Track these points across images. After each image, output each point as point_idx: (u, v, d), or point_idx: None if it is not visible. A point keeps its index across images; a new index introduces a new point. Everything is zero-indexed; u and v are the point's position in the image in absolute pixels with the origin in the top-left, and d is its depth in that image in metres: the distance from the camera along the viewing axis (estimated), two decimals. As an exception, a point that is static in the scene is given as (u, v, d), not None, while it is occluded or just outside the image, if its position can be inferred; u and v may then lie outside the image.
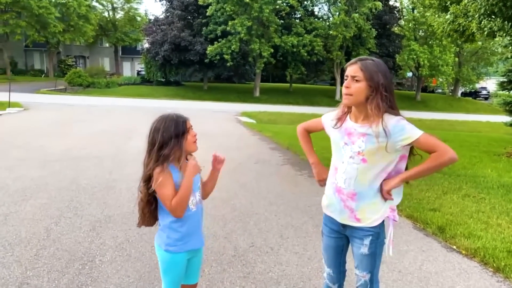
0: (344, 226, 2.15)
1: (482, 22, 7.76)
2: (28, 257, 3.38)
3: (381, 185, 2.04)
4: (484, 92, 47.75)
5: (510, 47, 12.49)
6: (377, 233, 2.09)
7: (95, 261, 3.34)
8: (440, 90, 46.42)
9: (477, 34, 9.63)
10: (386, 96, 1.94)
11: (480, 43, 34.93)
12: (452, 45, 34.46)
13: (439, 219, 4.45)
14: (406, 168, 2.07)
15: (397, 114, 1.97)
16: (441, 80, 38.32)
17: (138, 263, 3.35)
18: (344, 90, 1.99)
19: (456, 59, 37.96)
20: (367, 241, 2.08)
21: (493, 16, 7.76)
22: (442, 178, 6.41)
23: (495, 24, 7.55)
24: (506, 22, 7.40)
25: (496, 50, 39.45)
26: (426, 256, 3.63)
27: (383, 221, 2.11)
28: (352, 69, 1.97)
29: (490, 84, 47.23)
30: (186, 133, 2.02)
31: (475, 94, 47.52)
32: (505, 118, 17.04)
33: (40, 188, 5.34)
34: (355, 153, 2.01)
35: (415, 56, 33.69)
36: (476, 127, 20.27)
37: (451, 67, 35.53)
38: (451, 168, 7.24)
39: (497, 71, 16.71)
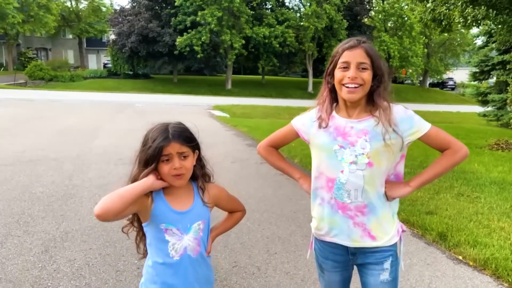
0: (355, 253, 1.68)
1: (466, 10, 7.46)
2: (-39, 293, 2.74)
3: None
4: (450, 82, 48.76)
5: (484, 36, 12.43)
6: (395, 252, 1.68)
7: (45, 295, 2.74)
8: (409, 81, 47.05)
9: (455, 23, 9.40)
10: (385, 81, 1.63)
11: (446, 34, 35.60)
12: (421, 36, 34.89)
13: (438, 224, 4.06)
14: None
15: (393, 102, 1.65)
16: (410, 71, 38.78)
17: (100, 295, 2.78)
18: (346, 81, 1.56)
19: (425, 50, 38.43)
20: (387, 265, 1.65)
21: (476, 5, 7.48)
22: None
23: (479, 12, 7.26)
24: (490, 10, 7.12)
25: (462, 40, 40.33)
26: (433, 271, 3.21)
27: (399, 242, 1.71)
28: (357, 54, 1.56)
29: (457, 74, 48.32)
30: (157, 163, 1.46)
31: (442, 84, 48.45)
32: (478, 109, 17.28)
33: (-14, 199, 4.63)
34: (359, 156, 1.57)
35: (385, 47, 33.83)
36: (448, 118, 20.43)
37: (420, 58, 35.94)
38: (437, 164, 6.94)
39: (469, 62, 16.81)
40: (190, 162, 1.52)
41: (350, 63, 1.54)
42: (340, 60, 1.57)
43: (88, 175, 5.74)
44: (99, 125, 10.94)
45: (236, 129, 11.62)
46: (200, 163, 1.61)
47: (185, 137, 1.51)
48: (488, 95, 14.48)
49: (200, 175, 1.61)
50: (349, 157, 1.59)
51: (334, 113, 1.65)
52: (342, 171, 1.60)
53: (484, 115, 14.88)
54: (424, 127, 1.58)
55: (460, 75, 47.52)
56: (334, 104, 1.68)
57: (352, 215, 1.62)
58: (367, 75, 1.55)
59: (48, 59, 42.38)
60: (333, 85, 1.62)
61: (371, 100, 1.60)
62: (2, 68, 39.70)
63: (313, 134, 1.68)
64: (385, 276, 1.65)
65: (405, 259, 3.37)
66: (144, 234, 1.60)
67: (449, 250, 3.61)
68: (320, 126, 1.65)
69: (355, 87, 1.54)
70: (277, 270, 3.20)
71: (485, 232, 3.91)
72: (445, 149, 1.60)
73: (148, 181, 1.45)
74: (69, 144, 8.19)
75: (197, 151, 1.58)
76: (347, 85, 1.55)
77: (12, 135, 8.97)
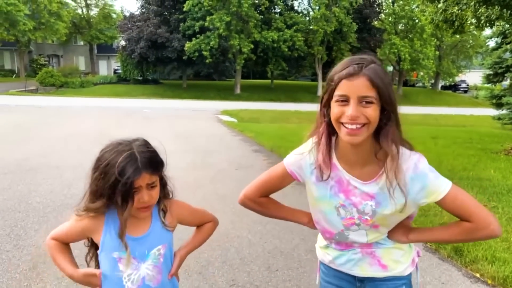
0: (362, 280, 1.47)
1: (479, 10, 7.18)
2: None
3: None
4: (463, 85, 48.01)
5: (498, 38, 12.06)
6: (409, 281, 1.46)
7: (27, 318, 2.55)
8: (420, 84, 46.46)
9: (467, 24, 9.09)
10: (398, 121, 1.26)
11: (458, 36, 35.08)
12: (433, 38, 34.43)
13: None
14: None
15: (410, 146, 1.30)
16: (422, 73, 38.26)
17: (85, 318, 2.57)
18: (344, 120, 1.19)
19: (437, 52, 37.91)
20: None
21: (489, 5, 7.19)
22: (444, 182, 5.79)
23: (493, 12, 6.97)
24: (505, 10, 6.82)
25: (474, 41, 39.70)
26: (448, 291, 2.96)
27: (415, 272, 1.51)
28: (358, 85, 1.17)
29: (469, 77, 47.57)
30: (130, 198, 1.24)
31: (454, 87, 47.71)
32: (492, 112, 16.82)
33: (-19, 210, 4.48)
34: (363, 220, 1.34)
35: (396, 50, 33.43)
36: (461, 121, 19.97)
37: (432, 61, 35.44)
38: (451, 170, 6.64)
39: (482, 64, 16.40)
40: (157, 191, 1.32)
41: (350, 97, 1.17)
42: (337, 93, 1.20)
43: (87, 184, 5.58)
44: (105, 131, 10.82)
45: (243, 134, 11.42)
46: (161, 182, 1.38)
47: (155, 164, 1.29)
48: (503, 97, 14.05)
49: (161, 196, 1.39)
50: (351, 218, 1.35)
51: (335, 159, 1.33)
52: (342, 230, 1.39)
53: (499, 118, 14.41)
54: (442, 189, 1.23)
55: (473, 77, 46.80)
56: (334, 139, 1.33)
57: (360, 250, 1.44)
58: (373, 111, 1.18)
59: (60, 65, 42.81)
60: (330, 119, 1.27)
61: (378, 141, 1.26)
62: (14, 75, 40.20)
63: (311, 183, 1.38)
64: None
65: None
66: (95, 251, 1.41)
67: (465, 267, 3.34)
68: (320, 178, 1.34)
69: (357, 129, 1.18)
70: (278, 289, 2.97)
71: (504, 247, 3.63)
72: (465, 219, 1.27)
73: (89, 282, 1.33)
74: (73, 151, 8.06)
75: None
76: (346, 125, 1.19)
77: (16, 142, 8.88)
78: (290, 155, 1.45)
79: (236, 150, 8.96)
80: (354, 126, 1.18)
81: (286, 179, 1.46)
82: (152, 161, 1.28)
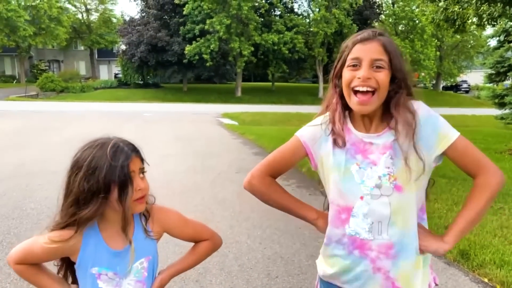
0: None
1: (481, 8, 7.06)
2: None
3: None
4: (464, 85, 47.83)
5: (500, 36, 11.96)
6: None
7: (15, 331, 2.44)
8: (422, 85, 46.34)
9: (469, 23, 8.99)
10: (410, 87, 1.26)
11: (459, 36, 34.96)
12: (434, 39, 34.35)
13: (460, 240, 3.66)
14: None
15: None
16: (423, 74, 38.13)
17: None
18: (356, 83, 1.19)
19: (438, 53, 37.78)
20: None
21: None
22: (448, 183, 5.65)
23: (495, 10, 6.86)
24: (507, 7, 6.71)
25: (475, 41, 39.58)
26: (455, 298, 2.84)
27: None
28: (371, 48, 1.19)
29: (470, 77, 47.41)
30: (129, 184, 1.13)
31: (456, 87, 47.54)
32: (495, 111, 16.69)
33: (-26, 217, 4.38)
34: (383, 177, 1.20)
35: (397, 51, 33.37)
36: (463, 121, 19.83)
37: (433, 61, 35.31)
38: (454, 171, 6.51)
39: (484, 63, 16.28)
40: (147, 181, 1.21)
41: (362, 59, 1.19)
42: (350, 56, 1.22)
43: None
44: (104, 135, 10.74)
45: (244, 137, 11.31)
46: None
47: (138, 150, 1.20)
48: (505, 97, 13.92)
49: None
50: (371, 179, 1.23)
51: (349, 125, 1.30)
52: (361, 197, 1.24)
53: (502, 118, 14.29)
54: (452, 133, 1.22)
55: (474, 77, 46.63)
56: (347, 112, 1.32)
57: (373, 257, 1.24)
58: (384, 76, 1.18)
59: (60, 70, 42.83)
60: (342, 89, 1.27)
61: (389, 111, 1.25)
62: (15, 81, 40.23)
63: (325, 153, 1.31)
64: None
65: (423, 283, 2.99)
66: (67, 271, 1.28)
67: (472, 271, 3.22)
68: (335, 144, 1.28)
69: (368, 92, 1.18)
70: (277, 297, 2.85)
71: (512, 250, 3.51)
72: (473, 171, 1.24)
73: None
74: (70, 156, 7.96)
75: None
76: (357, 88, 1.19)
77: (15, 147, 8.80)
78: (303, 127, 1.38)
79: (237, 152, 8.85)
80: (364, 89, 1.18)
81: (297, 153, 1.37)
82: (135, 147, 1.20)
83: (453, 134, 1.21)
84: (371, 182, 1.22)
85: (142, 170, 1.18)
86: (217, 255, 3.51)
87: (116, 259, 1.20)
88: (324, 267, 1.38)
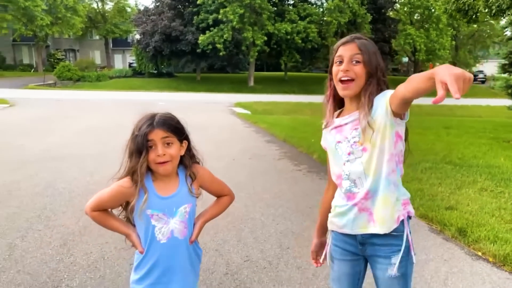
0: (363, 243, 1.67)
1: (490, 0, 7.20)
2: (-18, 284, 2.85)
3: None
4: (481, 75, 47.19)
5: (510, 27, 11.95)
6: (407, 248, 1.62)
7: (61, 287, 2.82)
8: (436, 75, 45.82)
9: (481, 14, 9.09)
10: (384, 81, 1.63)
11: (475, 26, 34.48)
12: (449, 28, 33.94)
13: (458, 219, 3.94)
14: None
15: None
16: (438, 64, 37.82)
17: (112, 287, 2.83)
18: (340, 75, 1.60)
19: (453, 42, 37.38)
20: (395, 259, 1.61)
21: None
22: (453, 169, 5.90)
23: (504, 2, 6.99)
24: (516, -2, 6.84)
25: (492, 31, 38.95)
26: (449, 267, 3.13)
27: (407, 234, 1.63)
28: (349, 48, 1.61)
29: (487, 67, 46.75)
30: (146, 151, 1.49)
31: (472, 78, 46.95)
32: (508, 102, 16.65)
33: (11, 195, 4.79)
34: (353, 145, 1.61)
35: (411, 41, 33.12)
36: (477, 112, 19.82)
37: (448, 51, 34.99)
38: (461, 158, 6.74)
39: (498, 53, 16.16)
40: (175, 149, 1.53)
41: (344, 57, 1.59)
42: (336, 56, 1.63)
43: (109, 171, 5.82)
44: (121, 123, 11.10)
45: (256, 125, 11.62)
46: (189, 153, 1.62)
47: (170, 124, 1.53)
48: (518, 87, 13.89)
49: (189, 165, 1.62)
50: (346, 148, 1.64)
51: (335, 116, 1.72)
52: (344, 164, 1.66)
53: (514, 108, 14.28)
54: (386, 94, 1.55)
55: (490, 67, 45.90)
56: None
57: (358, 202, 1.63)
58: (359, 69, 1.57)
59: (76, 59, 43.53)
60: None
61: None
62: (33, 70, 41.07)
63: (324, 135, 1.77)
64: (393, 271, 1.61)
65: (421, 255, 3.29)
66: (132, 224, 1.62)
67: (468, 246, 3.51)
68: (325, 127, 1.74)
69: (348, 80, 1.57)
70: (288, 264, 3.18)
71: (507, 228, 3.78)
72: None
73: (130, 235, 1.59)
74: (92, 142, 8.39)
75: (185, 141, 1.59)
76: (341, 78, 1.59)
77: (39, 134, 9.26)
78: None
79: (250, 140, 9.17)
80: (345, 78, 1.57)
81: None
82: (167, 122, 1.52)
83: (385, 96, 1.55)
84: (346, 150, 1.64)
85: (166, 141, 1.51)
86: (234, 229, 3.87)
87: (164, 204, 1.54)
88: (330, 224, 1.78)
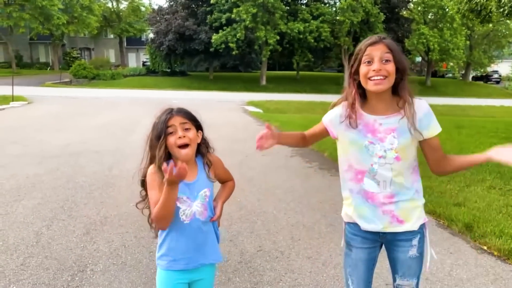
0: (384, 232, 1.80)
1: (502, 0, 7.23)
2: (14, 267, 3.06)
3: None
4: (495, 75, 46.64)
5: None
6: (423, 232, 1.81)
7: (86, 271, 3.01)
8: (450, 75, 45.45)
9: (494, 14, 9.09)
10: (408, 76, 1.74)
11: (490, 25, 34.07)
12: (463, 27, 33.59)
13: (465, 215, 4.05)
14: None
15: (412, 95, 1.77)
16: (451, 64, 37.44)
17: (134, 272, 3.02)
18: (371, 74, 1.66)
19: (467, 42, 36.97)
20: (415, 241, 1.78)
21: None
22: (463, 168, 5.98)
23: (517, 2, 7.02)
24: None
25: (507, 30, 38.42)
26: (455, 259, 3.25)
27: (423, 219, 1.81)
28: (379, 48, 1.67)
29: (502, 67, 46.16)
30: (165, 134, 1.67)
31: (486, 78, 46.45)
32: (521, 102, 16.53)
33: (35, 187, 5.03)
34: (388, 151, 1.70)
35: (424, 40, 32.89)
36: (490, 112, 19.66)
37: (462, 51, 34.64)
38: (471, 157, 6.79)
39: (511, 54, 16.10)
40: (193, 134, 1.70)
41: (374, 57, 1.65)
42: (365, 56, 1.68)
43: (126, 166, 6.09)
44: (137, 120, 11.39)
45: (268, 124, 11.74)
46: (205, 142, 1.81)
47: (187, 112, 1.73)
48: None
49: (205, 153, 1.80)
50: (378, 151, 1.71)
51: (361, 111, 1.75)
52: (372, 164, 1.73)
53: (528, 109, 14.21)
54: (438, 127, 1.71)
55: (505, 68, 45.41)
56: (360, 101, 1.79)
57: (380, 203, 1.74)
58: (391, 67, 1.65)
59: (91, 58, 44.18)
60: (359, 82, 1.72)
61: (396, 94, 1.71)
62: (49, 68, 41.82)
63: (342, 132, 1.79)
64: (413, 252, 1.76)
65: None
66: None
67: (474, 241, 3.62)
68: (350, 126, 1.75)
69: (381, 79, 1.64)
70: (299, 255, 3.34)
71: (514, 224, 3.87)
72: (438, 159, 1.74)
73: (166, 183, 1.58)
74: (109, 138, 8.65)
75: (200, 131, 1.77)
76: (372, 78, 1.65)
77: (57, 130, 9.55)
78: (327, 113, 1.91)
79: (262, 138, 9.30)
80: (378, 77, 1.64)
81: (319, 131, 1.91)
82: (184, 110, 1.73)
83: (438, 128, 1.71)
84: (379, 153, 1.72)
85: (184, 126, 1.68)
86: (247, 221, 4.03)
87: (187, 188, 1.71)
88: (347, 209, 1.87)
